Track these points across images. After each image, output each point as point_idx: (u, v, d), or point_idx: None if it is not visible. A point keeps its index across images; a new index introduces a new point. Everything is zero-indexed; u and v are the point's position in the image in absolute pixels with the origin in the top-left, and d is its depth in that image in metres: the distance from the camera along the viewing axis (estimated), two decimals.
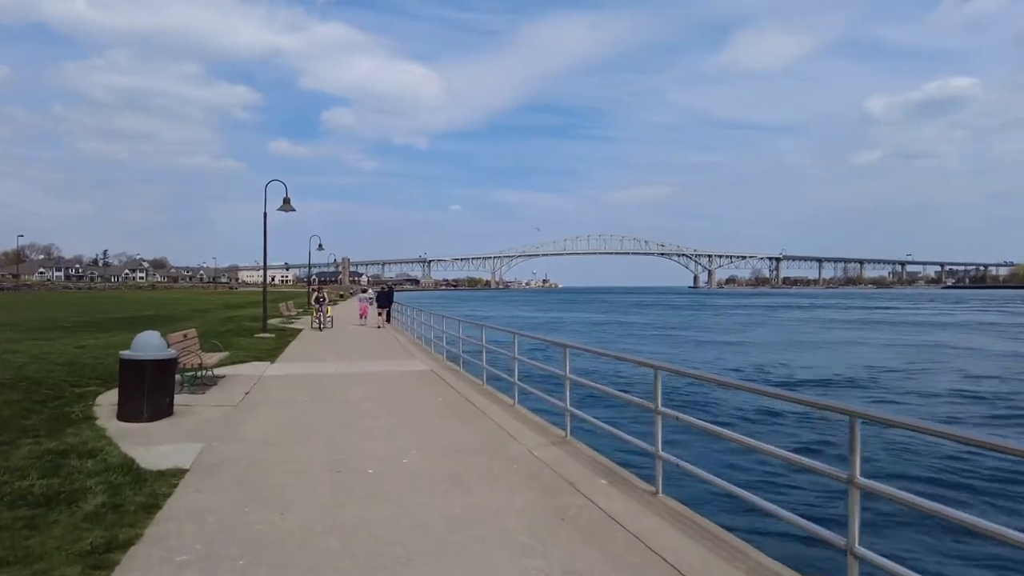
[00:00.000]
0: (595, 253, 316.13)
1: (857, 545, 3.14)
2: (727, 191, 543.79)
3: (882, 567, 3.03)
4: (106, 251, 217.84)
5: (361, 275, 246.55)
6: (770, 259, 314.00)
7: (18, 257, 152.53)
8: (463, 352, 12.54)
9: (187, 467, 5.62)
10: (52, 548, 3.77)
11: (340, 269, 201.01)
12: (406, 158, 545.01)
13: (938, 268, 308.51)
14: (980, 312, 65.94)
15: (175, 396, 8.12)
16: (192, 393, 9.40)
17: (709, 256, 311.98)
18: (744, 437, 4.17)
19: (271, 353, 15.40)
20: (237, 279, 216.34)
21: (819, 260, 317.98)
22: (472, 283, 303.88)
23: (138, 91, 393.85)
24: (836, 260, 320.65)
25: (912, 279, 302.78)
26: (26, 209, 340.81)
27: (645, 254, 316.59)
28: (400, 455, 6.12)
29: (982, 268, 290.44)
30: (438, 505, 4.72)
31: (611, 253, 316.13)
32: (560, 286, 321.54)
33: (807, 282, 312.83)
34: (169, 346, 8.09)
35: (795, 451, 4.47)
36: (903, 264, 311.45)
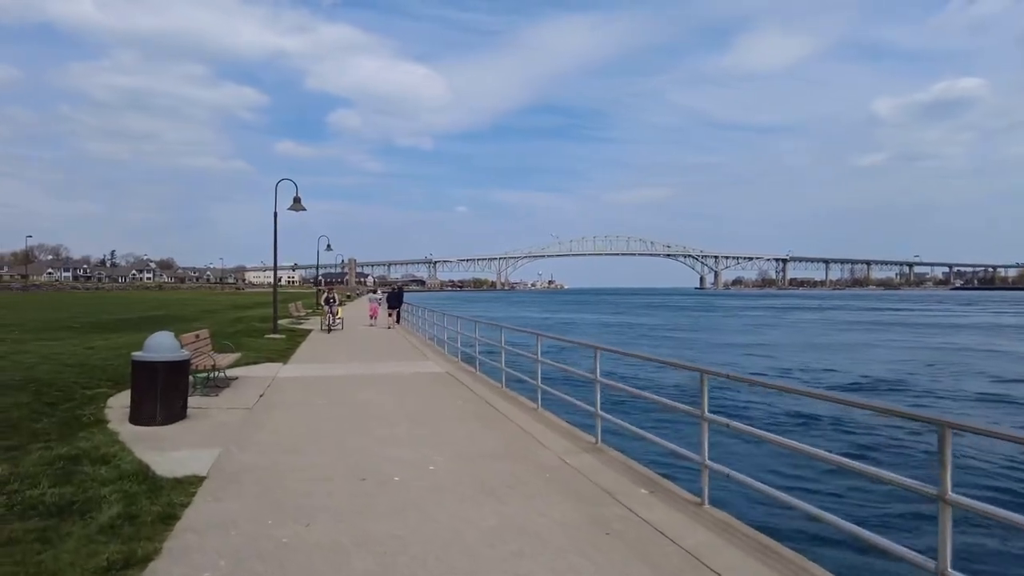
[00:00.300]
0: (601, 254, 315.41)
1: (950, 568, 2.85)
2: (727, 191, 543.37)
3: None
4: (114, 252, 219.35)
5: (367, 276, 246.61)
6: (777, 260, 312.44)
7: (27, 257, 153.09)
8: (479, 354, 12.27)
9: (204, 474, 5.37)
10: (66, 564, 3.52)
11: (346, 270, 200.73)
12: (409, 159, 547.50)
13: (946, 269, 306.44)
14: (995, 314, 65.06)
15: (188, 398, 7.89)
16: (205, 395, 9.16)
17: (715, 257, 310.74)
18: (817, 449, 3.82)
19: (283, 354, 15.18)
20: (244, 280, 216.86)
21: (826, 261, 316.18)
22: (478, 284, 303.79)
23: (141, 91, 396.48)
24: (843, 261, 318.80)
25: (920, 280, 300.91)
26: (28, 209, 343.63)
27: (651, 255, 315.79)
28: (425, 462, 5.85)
29: (991, 269, 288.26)
30: (471, 517, 4.44)
31: (617, 254, 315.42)
32: (566, 287, 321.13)
33: (813, 283, 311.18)
34: (182, 347, 7.86)
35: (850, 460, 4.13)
36: (911, 265, 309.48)
